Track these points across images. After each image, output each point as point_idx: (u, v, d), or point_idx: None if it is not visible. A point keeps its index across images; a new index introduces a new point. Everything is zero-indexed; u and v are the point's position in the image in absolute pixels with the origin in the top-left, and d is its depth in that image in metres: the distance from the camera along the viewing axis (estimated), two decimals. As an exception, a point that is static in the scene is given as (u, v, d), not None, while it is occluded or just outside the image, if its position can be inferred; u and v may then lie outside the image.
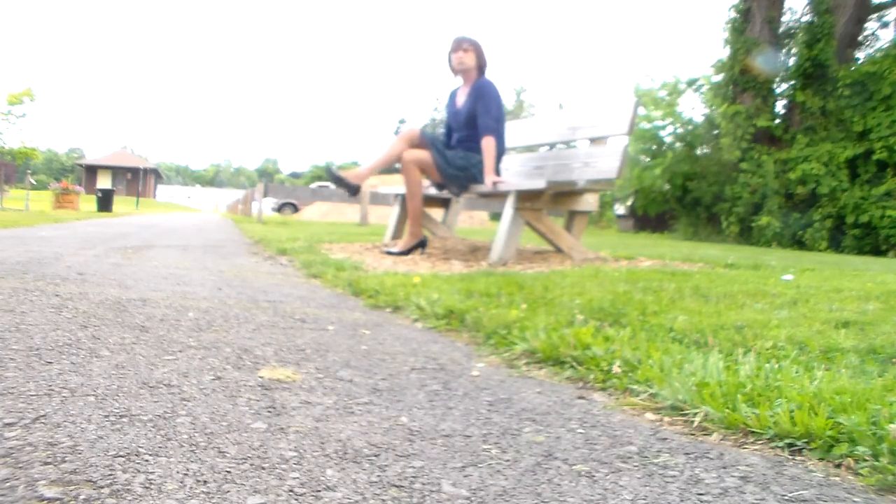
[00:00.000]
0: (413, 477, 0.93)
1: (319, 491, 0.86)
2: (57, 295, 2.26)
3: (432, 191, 4.95)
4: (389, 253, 4.53)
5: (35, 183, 31.80)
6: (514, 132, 5.34)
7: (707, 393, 1.26)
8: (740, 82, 18.74)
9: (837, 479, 0.99)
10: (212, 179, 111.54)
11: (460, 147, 4.61)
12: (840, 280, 3.47)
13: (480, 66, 4.60)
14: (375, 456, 1.00)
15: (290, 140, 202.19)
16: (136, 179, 53.86)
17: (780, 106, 19.64)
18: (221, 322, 1.99)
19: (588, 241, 5.54)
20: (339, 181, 4.38)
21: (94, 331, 1.73)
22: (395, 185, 7.80)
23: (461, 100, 4.65)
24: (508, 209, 4.14)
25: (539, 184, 3.96)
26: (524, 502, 0.87)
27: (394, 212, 5.53)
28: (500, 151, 4.53)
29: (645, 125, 24.39)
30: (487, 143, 4.43)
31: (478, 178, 4.47)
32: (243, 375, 1.40)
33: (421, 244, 4.58)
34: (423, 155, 4.48)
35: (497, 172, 4.49)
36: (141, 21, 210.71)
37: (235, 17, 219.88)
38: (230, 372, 1.42)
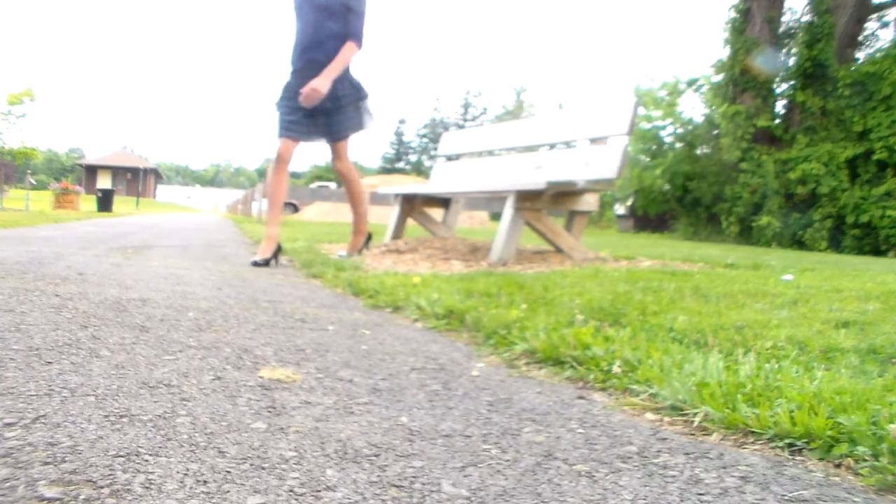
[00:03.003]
0: (413, 477, 0.93)
1: (319, 491, 0.86)
2: (57, 295, 2.26)
3: (432, 191, 4.93)
4: (341, 256, 4.28)
5: (35, 183, 31.81)
6: (514, 132, 5.34)
7: (707, 393, 1.26)
8: (740, 82, 18.74)
9: (837, 479, 0.99)
10: (212, 179, 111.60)
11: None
12: (840, 280, 3.47)
13: None
14: (375, 456, 1.00)
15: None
16: (136, 179, 53.89)
17: (780, 106, 19.66)
18: (221, 322, 1.99)
19: (588, 241, 5.54)
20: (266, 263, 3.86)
21: (94, 331, 1.73)
22: (395, 184, 7.78)
23: None
24: (508, 209, 4.14)
25: (539, 184, 3.96)
26: (524, 502, 0.87)
27: (394, 212, 5.54)
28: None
29: (645, 125, 24.39)
30: (348, 50, 3.95)
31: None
32: (243, 375, 1.40)
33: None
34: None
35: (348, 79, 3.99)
36: (141, 21, 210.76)
37: (236, 16, 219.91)
38: (230, 372, 1.42)
